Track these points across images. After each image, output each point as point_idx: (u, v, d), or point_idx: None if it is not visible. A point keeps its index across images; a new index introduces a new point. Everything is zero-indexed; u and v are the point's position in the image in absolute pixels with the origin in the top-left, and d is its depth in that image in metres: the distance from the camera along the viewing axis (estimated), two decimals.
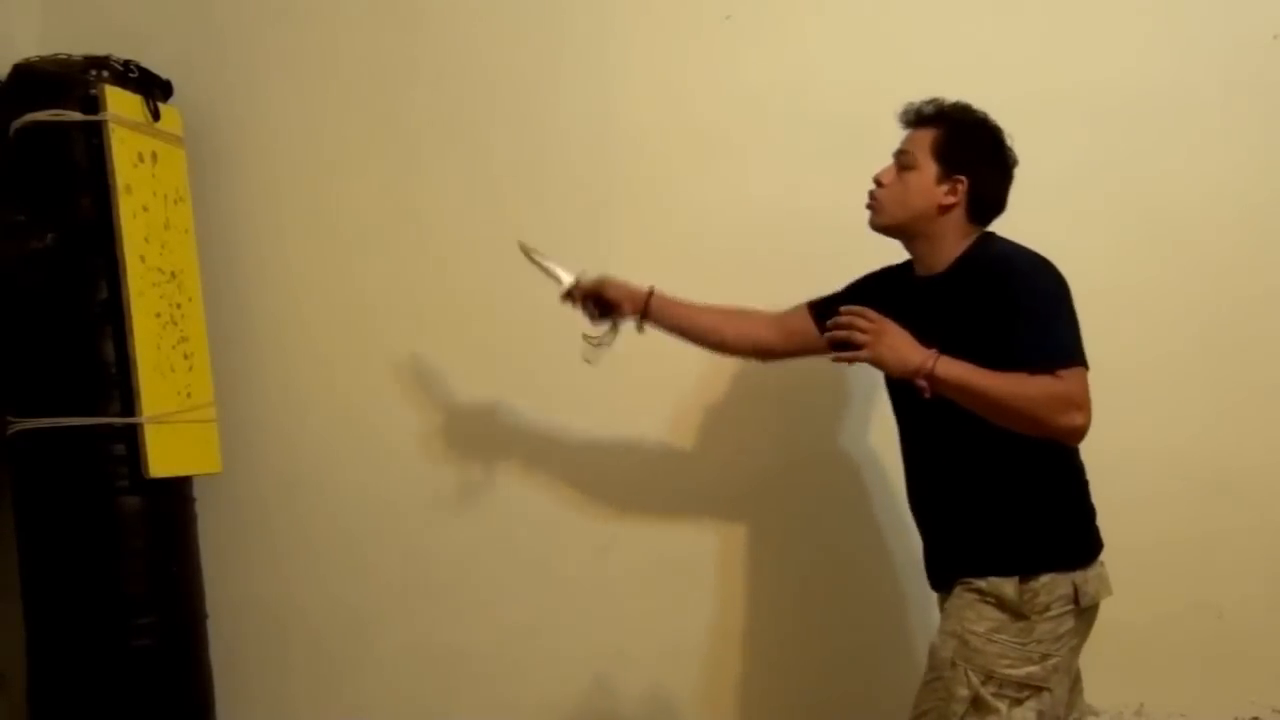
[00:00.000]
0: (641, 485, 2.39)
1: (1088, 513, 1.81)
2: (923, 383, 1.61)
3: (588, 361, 2.06)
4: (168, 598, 2.21)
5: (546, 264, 2.09)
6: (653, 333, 2.36)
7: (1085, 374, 1.66)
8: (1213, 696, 2.24)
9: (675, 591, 2.39)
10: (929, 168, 1.80)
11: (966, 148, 1.81)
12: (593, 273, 2.09)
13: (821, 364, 2.29)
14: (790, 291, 2.32)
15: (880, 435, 2.33)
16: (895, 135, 2.26)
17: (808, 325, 2.04)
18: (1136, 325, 2.24)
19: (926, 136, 1.82)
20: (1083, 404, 1.63)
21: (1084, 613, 1.74)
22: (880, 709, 2.34)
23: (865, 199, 1.89)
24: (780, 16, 2.33)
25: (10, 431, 2.16)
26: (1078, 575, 1.72)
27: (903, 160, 1.83)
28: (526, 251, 2.10)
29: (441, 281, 2.45)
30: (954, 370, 1.61)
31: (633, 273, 2.38)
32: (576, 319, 2.37)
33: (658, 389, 2.38)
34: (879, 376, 2.00)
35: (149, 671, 2.16)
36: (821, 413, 2.35)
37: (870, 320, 1.66)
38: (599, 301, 2.08)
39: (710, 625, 2.38)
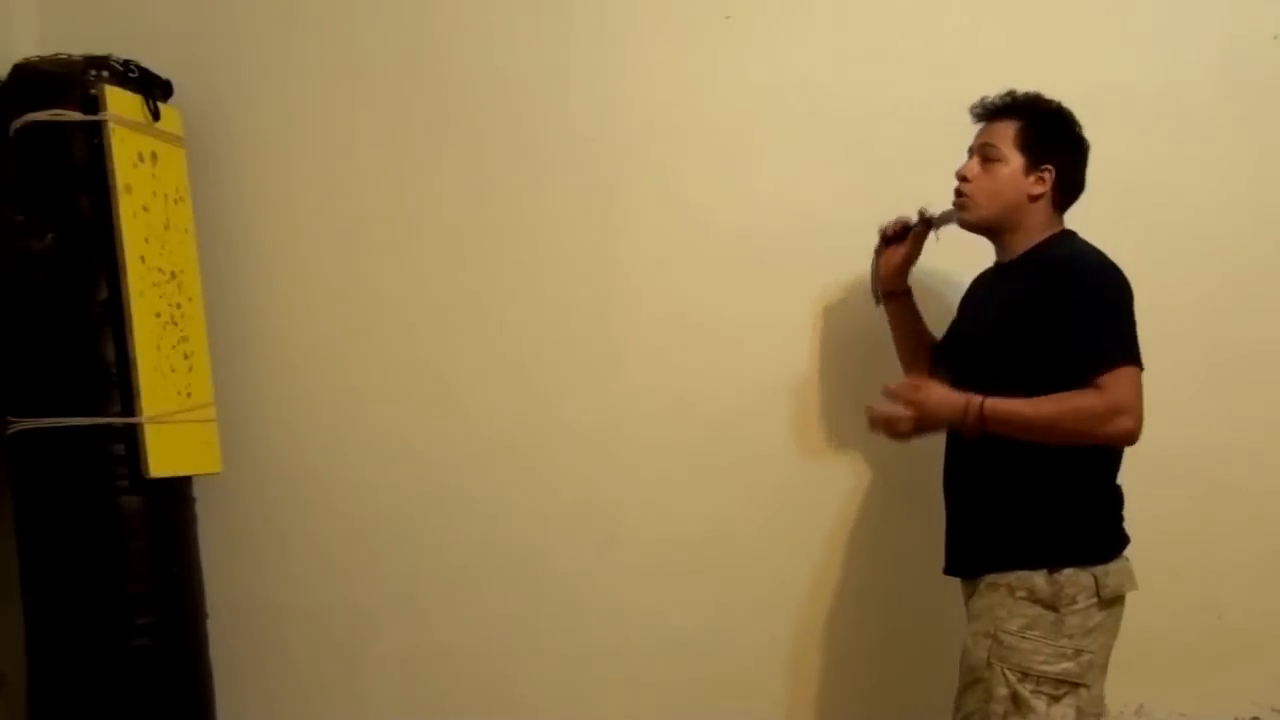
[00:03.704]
0: (642, 483, 2.39)
1: (1115, 509, 1.83)
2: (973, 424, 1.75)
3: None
4: (168, 598, 2.21)
5: (938, 217, 2.04)
6: (654, 329, 2.37)
7: (1133, 374, 1.69)
8: (1213, 696, 2.25)
9: (676, 590, 2.39)
10: (1015, 159, 1.85)
11: (1049, 137, 1.86)
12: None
13: (826, 359, 2.32)
14: (789, 290, 2.33)
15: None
16: (894, 133, 2.29)
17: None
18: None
19: (1007, 129, 1.86)
20: (1126, 408, 1.67)
21: (1109, 606, 1.76)
22: (888, 705, 2.35)
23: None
24: (780, 16, 2.33)
25: (10, 431, 2.16)
26: (1098, 569, 1.75)
27: (988, 153, 1.87)
28: (931, 218, 2.06)
29: (440, 280, 2.44)
30: (999, 408, 1.73)
31: (634, 270, 2.40)
32: (577, 319, 2.39)
33: (658, 387, 2.38)
34: (878, 378, 2.01)
35: (149, 671, 2.16)
36: (824, 408, 2.35)
37: (906, 406, 1.81)
38: (890, 240, 2.10)
39: (711, 624, 2.38)
